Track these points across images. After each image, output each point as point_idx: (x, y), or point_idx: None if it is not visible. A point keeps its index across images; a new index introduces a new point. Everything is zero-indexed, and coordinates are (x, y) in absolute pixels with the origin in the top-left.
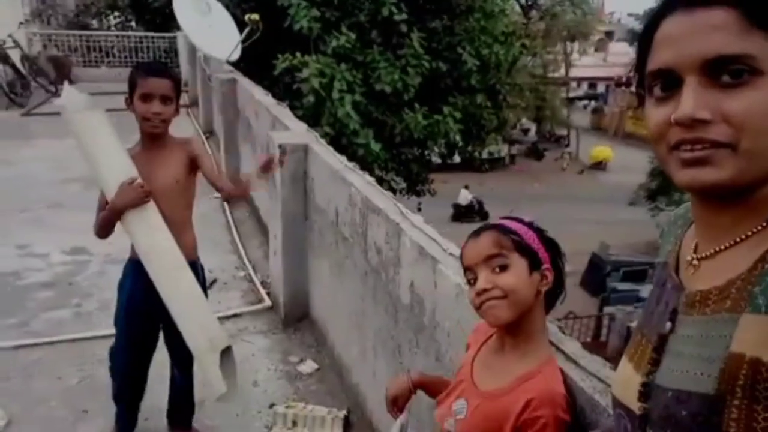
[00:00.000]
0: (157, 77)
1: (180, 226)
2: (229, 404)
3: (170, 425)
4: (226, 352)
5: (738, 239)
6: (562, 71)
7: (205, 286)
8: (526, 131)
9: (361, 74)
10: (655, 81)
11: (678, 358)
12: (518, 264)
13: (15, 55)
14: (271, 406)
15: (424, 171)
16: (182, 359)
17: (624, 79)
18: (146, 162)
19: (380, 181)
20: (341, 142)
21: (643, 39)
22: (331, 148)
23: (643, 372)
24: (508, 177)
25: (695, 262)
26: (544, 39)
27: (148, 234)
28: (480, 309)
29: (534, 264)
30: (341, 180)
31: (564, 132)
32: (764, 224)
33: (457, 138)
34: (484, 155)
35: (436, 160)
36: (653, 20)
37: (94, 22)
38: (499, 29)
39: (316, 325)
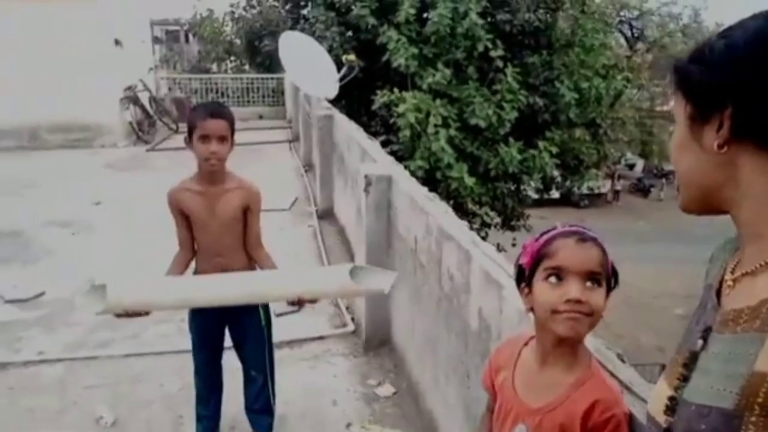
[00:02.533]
0: (214, 119)
1: (238, 249)
2: (308, 420)
3: (253, 430)
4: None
5: None
6: (672, 104)
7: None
8: (631, 166)
9: (456, 109)
10: None
11: (705, 374)
12: (604, 286)
13: (144, 97)
14: (348, 426)
15: (519, 206)
16: (252, 359)
17: None
18: (208, 197)
19: (474, 216)
20: (435, 175)
21: None
22: (414, 180)
23: (672, 387)
24: (610, 213)
25: (730, 282)
26: (651, 71)
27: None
28: (558, 315)
29: (608, 289)
30: (420, 209)
31: (672, 167)
32: None
33: (554, 173)
34: (584, 191)
35: (532, 195)
36: None
37: (214, 66)
38: (600, 63)
39: (395, 349)
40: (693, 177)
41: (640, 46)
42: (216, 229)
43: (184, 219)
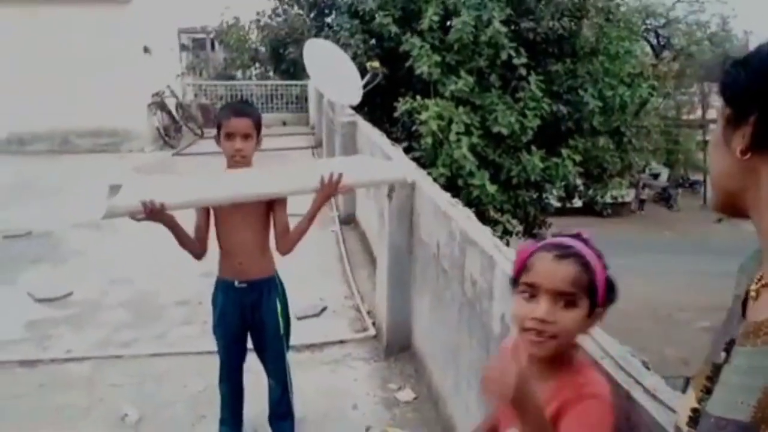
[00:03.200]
0: (238, 117)
1: (261, 250)
2: (328, 423)
3: None
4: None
5: None
6: (699, 113)
7: (286, 303)
8: (656, 176)
9: (478, 117)
10: None
11: (725, 387)
12: (582, 306)
13: (171, 103)
14: (368, 429)
15: (541, 214)
16: (275, 367)
17: None
18: None
19: (495, 223)
20: (457, 183)
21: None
22: (436, 186)
23: (696, 399)
24: (634, 223)
25: (753, 294)
26: (677, 79)
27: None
28: (525, 332)
29: (593, 306)
30: (443, 215)
31: (699, 177)
32: None
33: (577, 181)
34: (608, 200)
35: (554, 203)
36: None
37: (239, 73)
38: (625, 71)
39: (416, 354)
40: (720, 179)
41: (666, 54)
42: (240, 227)
43: (206, 217)
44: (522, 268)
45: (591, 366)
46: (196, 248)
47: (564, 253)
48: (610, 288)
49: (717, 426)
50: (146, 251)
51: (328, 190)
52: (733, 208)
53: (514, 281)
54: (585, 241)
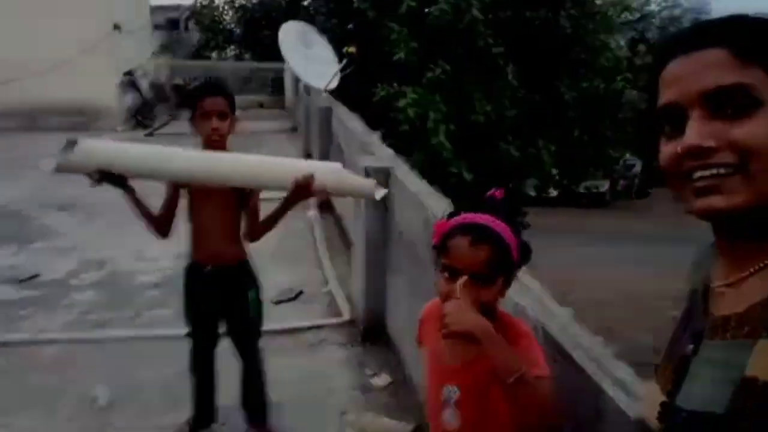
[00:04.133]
0: (213, 96)
1: (233, 233)
2: (303, 409)
3: (247, 421)
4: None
5: (758, 267)
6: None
7: (258, 287)
8: (630, 167)
9: (456, 105)
10: (664, 120)
11: (696, 380)
12: (498, 281)
13: (143, 83)
14: (343, 414)
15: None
16: (248, 352)
17: None
18: None
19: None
20: (434, 171)
21: (650, 85)
22: (414, 172)
23: (664, 393)
24: (609, 213)
25: (720, 289)
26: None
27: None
28: (445, 303)
29: (508, 276)
30: (419, 202)
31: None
32: None
33: (553, 171)
34: (583, 190)
35: (530, 193)
36: (657, 67)
37: (214, 55)
38: (601, 63)
39: (392, 340)
40: None
41: (641, 48)
42: (213, 210)
43: (175, 195)
44: (440, 244)
45: (510, 315)
46: (158, 225)
47: (478, 237)
48: (525, 250)
49: (691, 421)
50: (120, 232)
51: (300, 192)
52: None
53: (436, 252)
54: (497, 209)
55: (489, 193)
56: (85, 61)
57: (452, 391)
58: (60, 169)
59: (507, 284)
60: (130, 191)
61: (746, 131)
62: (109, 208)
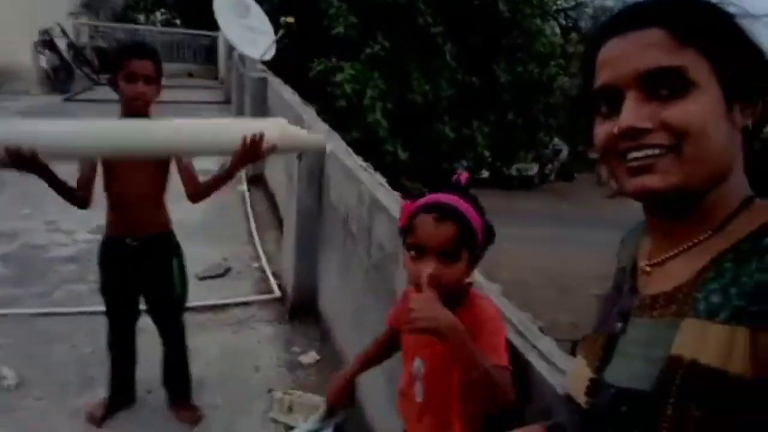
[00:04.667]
0: (140, 59)
1: (156, 202)
2: (229, 386)
3: (169, 399)
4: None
5: (686, 247)
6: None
7: (182, 261)
8: (558, 152)
9: (394, 83)
10: (600, 100)
11: (624, 357)
12: (464, 257)
13: (61, 43)
14: (269, 391)
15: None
16: (170, 329)
17: None
18: None
19: (406, 190)
20: (369, 148)
21: (586, 65)
22: (349, 149)
23: (592, 369)
24: (536, 196)
25: (647, 268)
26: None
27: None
28: (418, 287)
29: (473, 253)
30: (353, 178)
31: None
32: (710, 233)
33: (486, 153)
34: (514, 173)
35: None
36: (593, 47)
37: (141, 18)
38: (536, 48)
39: (321, 318)
40: (721, 157)
41: (573, 35)
42: (134, 177)
43: (93, 164)
44: (407, 225)
45: (481, 297)
46: (77, 196)
47: (443, 214)
48: (489, 232)
49: (619, 396)
50: (33, 202)
51: (250, 154)
52: (706, 190)
53: (402, 233)
54: (462, 189)
55: (454, 176)
56: None
57: (420, 365)
58: None
59: (472, 264)
60: (45, 172)
61: (679, 112)
62: (19, 175)
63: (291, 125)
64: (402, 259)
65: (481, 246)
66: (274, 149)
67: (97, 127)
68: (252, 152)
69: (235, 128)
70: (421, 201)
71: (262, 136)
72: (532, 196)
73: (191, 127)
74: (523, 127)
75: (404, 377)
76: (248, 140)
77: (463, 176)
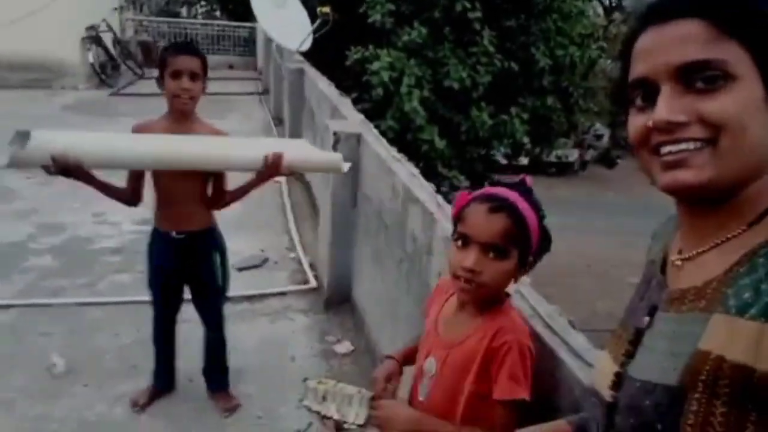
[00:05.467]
0: (185, 55)
1: (199, 198)
2: (266, 375)
3: (208, 388)
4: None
5: (718, 242)
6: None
7: (224, 254)
8: (599, 137)
9: (430, 70)
10: (635, 92)
11: (650, 351)
12: (512, 257)
13: (108, 39)
14: (304, 380)
15: (488, 170)
16: (211, 319)
17: None
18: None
19: (443, 178)
20: (406, 137)
21: (623, 56)
22: (383, 139)
23: (618, 363)
24: (577, 183)
25: (678, 262)
26: None
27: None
28: (456, 278)
29: (524, 257)
30: (387, 169)
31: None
32: (744, 228)
33: (524, 139)
34: (553, 159)
35: (501, 160)
36: (630, 38)
37: (183, 11)
38: (577, 31)
39: (356, 308)
40: (760, 148)
41: (617, 16)
42: (178, 176)
43: None
44: (458, 215)
45: (514, 311)
46: (126, 197)
47: (497, 205)
48: (545, 239)
49: (644, 389)
50: (81, 195)
51: (270, 171)
52: (741, 186)
53: (454, 224)
54: (526, 190)
55: (520, 177)
56: (47, 14)
57: (432, 365)
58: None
59: (521, 269)
60: (89, 179)
61: (717, 106)
62: None
63: (311, 147)
64: (435, 250)
65: (535, 252)
66: (291, 169)
67: (136, 142)
68: (272, 171)
69: (258, 148)
70: (478, 192)
71: (281, 157)
72: (572, 182)
73: (221, 145)
74: (562, 112)
75: (416, 371)
76: (270, 159)
77: (528, 179)
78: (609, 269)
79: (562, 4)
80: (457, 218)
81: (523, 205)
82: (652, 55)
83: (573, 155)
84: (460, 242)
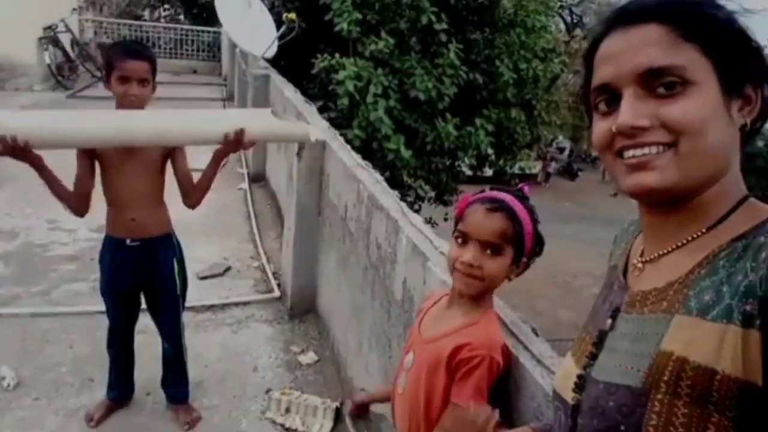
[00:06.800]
0: (134, 59)
1: (155, 203)
2: (227, 386)
3: (168, 400)
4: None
5: (679, 244)
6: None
7: (182, 259)
8: (561, 150)
9: (396, 80)
10: (598, 97)
11: (613, 353)
12: (507, 255)
13: (66, 40)
14: (268, 391)
15: (453, 181)
16: (169, 328)
17: None
18: None
19: (409, 188)
20: (372, 146)
21: (587, 61)
22: (348, 147)
23: (580, 365)
24: (539, 194)
25: (640, 265)
26: None
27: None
28: (455, 273)
29: (518, 256)
30: (352, 176)
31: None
32: (703, 230)
33: (489, 150)
34: (516, 170)
35: (466, 171)
36: (593, 43)
37: (145, 14)
38: (540, 45)
39: (320, 317)
40: (722, 150)
41: (578, 32)
42: (132, 178)
43: (90, 162)
44: (460, 215)
45: (494, 317)
46: (75, 202)
47: (495, 206)
48: (538, 241)
49: (607, 391)
50: (34, 200)
51: (231, 146)
52: (702, 189)
53: (456, 224)
54: (523, 197)
55: (519, 186)
56: (2, 13)
57: (410, 359)
58: None
59: (514, 267)
60: (39, 164)
61: (678, 111)
62: (22, 172)
63: (276, 118)
64: (399, 258)
65: (529, 254)
66: (254, 140)
67: (87, 116)
68: (233, 145)
69: (219, 118)
70: (479, 194)
71: (242, 131)
72: (535, 193)
73: (178, 116)
74: (526, 124)
75: (399, 366)
76: (230, 134)
77: (526, 188)
78: (571, 279)
79: (525, 18)
80: (459, 218)
81: (519, 208)
82: (614, 61)
83: (536, 167)
84: (459, 240)
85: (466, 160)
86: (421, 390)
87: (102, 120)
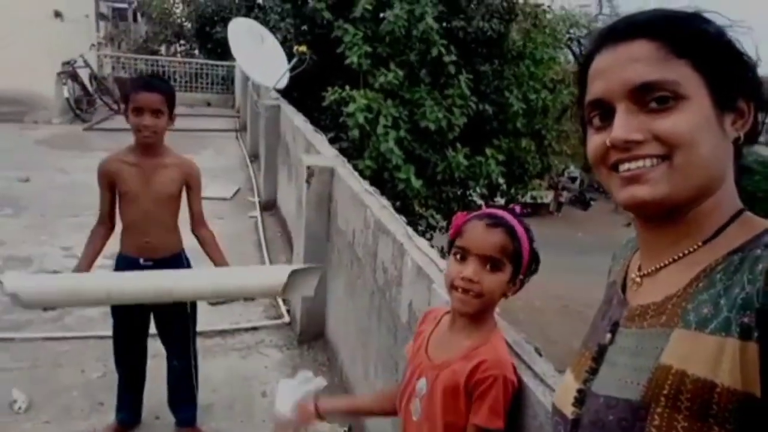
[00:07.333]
0: (147, 92)
1: (169, 227)
2: (235, 411)
3: (176, 422)
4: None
5: (676, 257)
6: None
7: None
8: (573, 179)
9: (407, 111)
10: (592, 113)
11: (613, 367)
12: (506, 271)
13: (84, 75)
14: None
15: (464, 210)
16: (178, 348)
17: None
18: (143, 169)
19: (420, 218)
20: (383, 176)
21: (581, 77)
22: (356, 173)
23: (580, 380)
24: (552, 224)
25: (638, 279)
26: None
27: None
28: (453, 291)
29: (515, 273)
30: (359, 202)
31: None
32: (699, 244)
33: (500, 180)
34: (528, 200)
35: (477, 200)
36: (586, 59)
37: (162, 49)
38: (548, 76)
39: (329, 343)
40: (715, 163)
41: None
42: (148, 205)
43: (111, 193)
44: (457, 232)
45: (500, 335)
46: (106, 235)
47: (494, 222)
48: (534, 259)
49: (607, 405)
50: (49, 227)
51: None
52: (696, 202)
53: (450, 244)
54: (516, 216)
55: (511, 206)
56: (23, 48)
57: (423, 385)
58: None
59: (513, 283)
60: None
61: (670, 125)
62: (37, 201)
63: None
64: (405, 281)
65: (525, 271)
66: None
67: (113, 285)
68: None
69: (242, 275)
70: (477, 212)
71: None
72: (547, 223)
73: (200, 278)
74: (536, 154)
75: (404, 391)
76: None
77: (517, 207)
78: (583, 309)
79: (534, 50)
80: (455, 235)
81: (517, 225)
82: (606, 76)
83: (548, 197)
84: (458, 256)
85: (477, 189)
86: (438, 416)
87: (131, 286)
